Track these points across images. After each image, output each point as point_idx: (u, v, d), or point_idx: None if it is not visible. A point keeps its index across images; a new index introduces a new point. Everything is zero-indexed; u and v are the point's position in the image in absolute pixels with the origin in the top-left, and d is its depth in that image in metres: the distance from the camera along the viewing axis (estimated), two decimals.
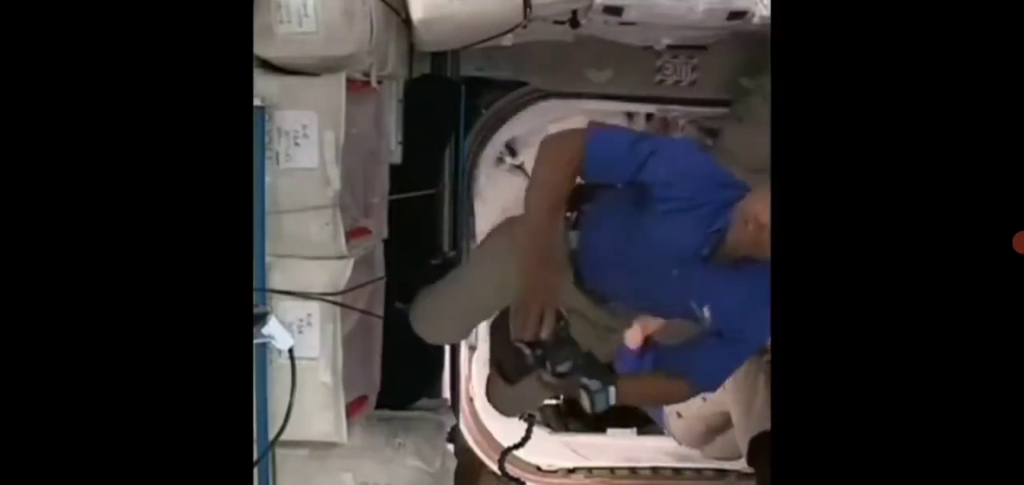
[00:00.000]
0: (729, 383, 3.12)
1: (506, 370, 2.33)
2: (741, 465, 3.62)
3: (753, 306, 2.09)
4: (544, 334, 2.16)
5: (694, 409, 3.42)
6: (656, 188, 2.10)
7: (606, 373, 2.22)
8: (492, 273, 2.50)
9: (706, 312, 2.17)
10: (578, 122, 3.60)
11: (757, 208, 1.96)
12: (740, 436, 3.31)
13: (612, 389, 2.20)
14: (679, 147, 2.37)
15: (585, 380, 2.17)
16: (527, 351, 2.16)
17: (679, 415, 3.52)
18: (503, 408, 3.06)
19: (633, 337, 2.71)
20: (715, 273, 2.12)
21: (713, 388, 2.51)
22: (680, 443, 3.70)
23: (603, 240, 2.29)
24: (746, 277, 2.08)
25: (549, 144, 2.17)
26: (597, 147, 2.10)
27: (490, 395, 3.06)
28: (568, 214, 2.30)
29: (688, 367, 2.31)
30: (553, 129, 3.60)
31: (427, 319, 2.67)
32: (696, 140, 3.78)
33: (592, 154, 2.10)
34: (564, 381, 2.20)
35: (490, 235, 2.71)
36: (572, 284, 2.34)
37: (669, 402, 3.26)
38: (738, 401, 3.32)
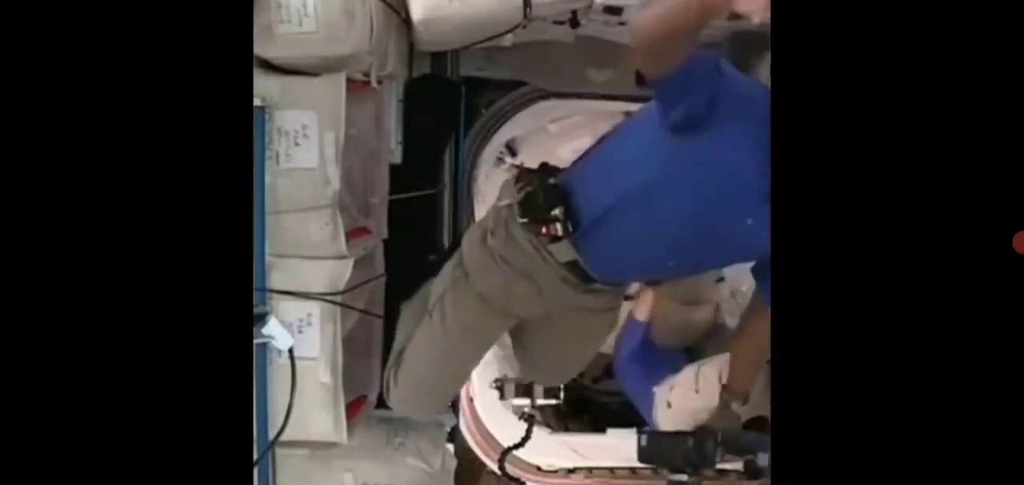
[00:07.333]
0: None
1: None
2: (741, 465, 3.60)
3: None
4: None
5: (688, 403, 3.35)
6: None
7: None
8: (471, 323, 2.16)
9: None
10: (579, 122, 3.60)
11: None
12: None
13: None
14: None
15: None
16: None
17: (669, 405, 3.42)
18: None
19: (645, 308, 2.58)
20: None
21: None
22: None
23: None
24: None
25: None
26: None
27: None
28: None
29: None
30: (553, 129, 3.62)
31: (410, 397, 2.29)
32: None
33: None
34: None
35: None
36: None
37: None
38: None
